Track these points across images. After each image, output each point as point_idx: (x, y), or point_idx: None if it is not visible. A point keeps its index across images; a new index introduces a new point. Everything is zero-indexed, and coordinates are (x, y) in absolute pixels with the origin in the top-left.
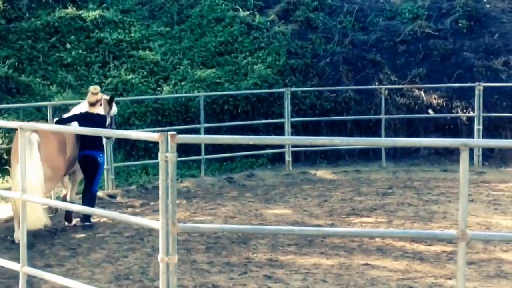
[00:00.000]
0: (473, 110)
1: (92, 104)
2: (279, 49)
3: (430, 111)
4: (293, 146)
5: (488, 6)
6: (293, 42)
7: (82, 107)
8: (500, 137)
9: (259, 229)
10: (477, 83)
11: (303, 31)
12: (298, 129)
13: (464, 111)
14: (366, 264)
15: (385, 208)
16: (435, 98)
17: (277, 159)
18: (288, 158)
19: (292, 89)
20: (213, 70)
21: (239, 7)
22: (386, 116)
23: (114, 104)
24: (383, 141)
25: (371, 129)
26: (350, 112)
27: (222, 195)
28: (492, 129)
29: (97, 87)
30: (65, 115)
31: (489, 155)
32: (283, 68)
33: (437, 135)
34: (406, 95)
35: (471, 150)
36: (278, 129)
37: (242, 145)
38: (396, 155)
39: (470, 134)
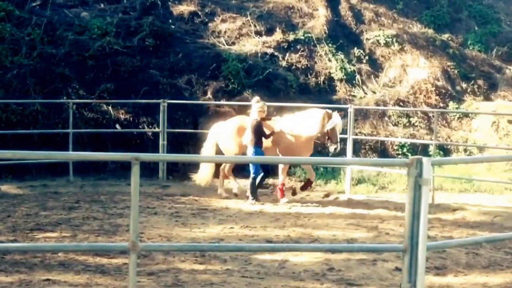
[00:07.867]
0: (158, 126)
1: (252, 113)
2: None
3: (117, 126)
4: None
5: (173, 26)
6: None
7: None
8: (183, 152)
9: None
10: (162, 99)
11: None
12: None
13: (150, 126)
14: (47, 279)
15: (70, 222)
16: (122, 113)
17: None
18: None
19: None
20: None
21: None
22: (74, 130)
23: (334, 117)
24: (64, 155)
25: (59, 143)
26: (37, 125)
27: None
28: (176, 144)
29: (257, 98)
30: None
31: (173, 169)
32: None
33: (124, 150)
34: (95, 110)
35: (156, 165)
36: None
37: None
38: (84, 169)
39: (156, 149)
